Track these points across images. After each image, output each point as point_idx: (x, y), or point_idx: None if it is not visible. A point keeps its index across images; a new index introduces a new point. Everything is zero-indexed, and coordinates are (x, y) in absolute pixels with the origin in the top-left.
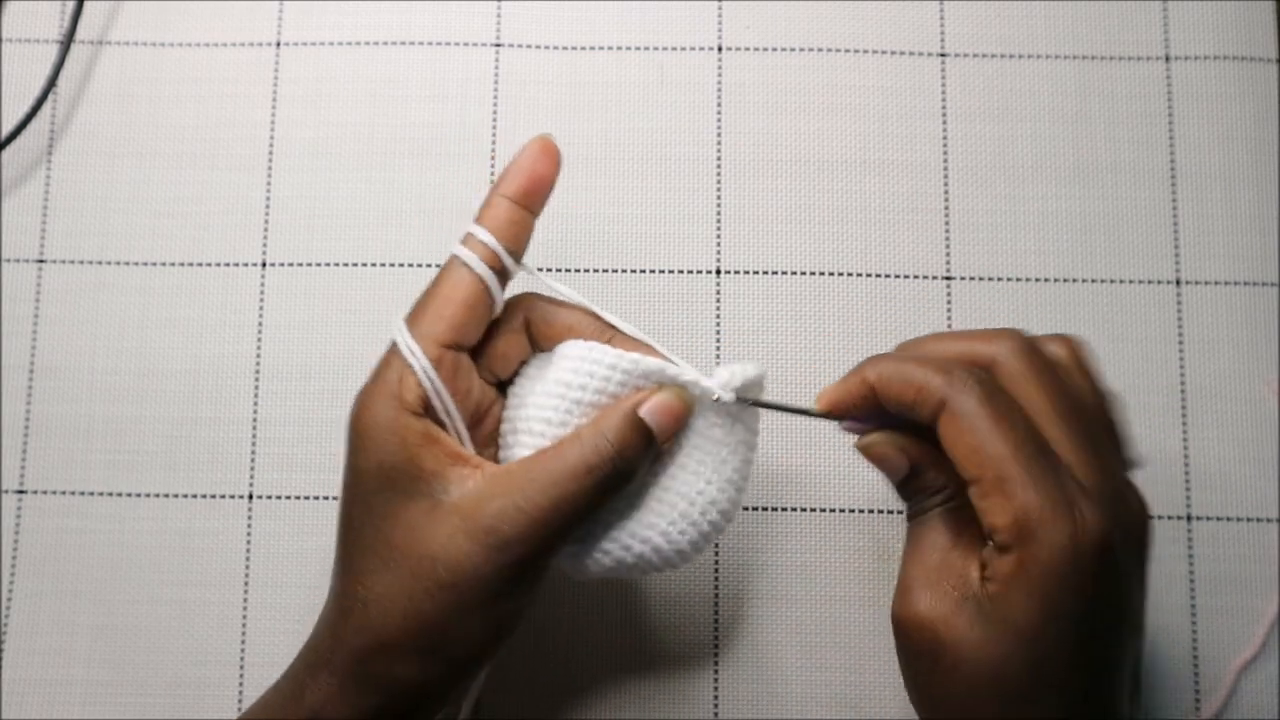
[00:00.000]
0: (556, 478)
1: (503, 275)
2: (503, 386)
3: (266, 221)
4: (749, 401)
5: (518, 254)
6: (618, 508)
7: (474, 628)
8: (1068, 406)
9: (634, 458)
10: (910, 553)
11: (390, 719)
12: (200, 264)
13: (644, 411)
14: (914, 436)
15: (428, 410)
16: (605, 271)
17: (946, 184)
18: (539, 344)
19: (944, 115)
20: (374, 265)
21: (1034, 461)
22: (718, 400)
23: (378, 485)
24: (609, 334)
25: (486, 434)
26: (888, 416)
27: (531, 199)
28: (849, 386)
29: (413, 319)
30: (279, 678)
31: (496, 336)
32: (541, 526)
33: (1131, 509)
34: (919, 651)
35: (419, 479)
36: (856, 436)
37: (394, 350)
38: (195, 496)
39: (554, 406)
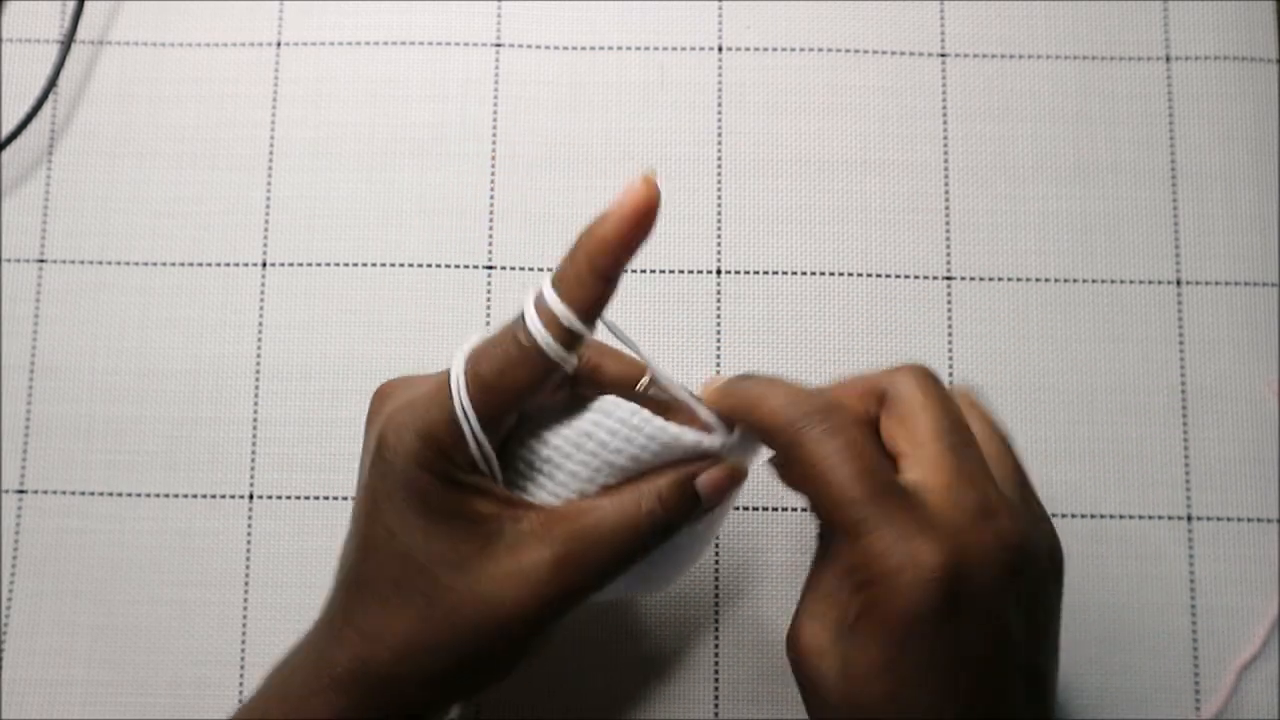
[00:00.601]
0: (614, 530)
1: (573, 347)
2: None
3: (266, 221)
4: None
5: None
6: None
7: (507, 662)
8: (949, 427)
9: (679, 523)
10: (810, 574)
11: None
12: (200, 264)
13: (700, 484)
14: None
15: (473, 466)
16: None
17: (946, 184)
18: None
19: (944, 115)
20: (374, 265)
21: (881, 502)
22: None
23: (426, 532)
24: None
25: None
26: None
27: (621, 268)
28: (717, 399)
29: (477, 387)
30: (265, 685)
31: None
32: (593, 575)
33: (1040, 532)
34: (804, 685)
35: (475, 522)
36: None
37: (449, 405)
38: (195, 496)
39: (584, 463)
